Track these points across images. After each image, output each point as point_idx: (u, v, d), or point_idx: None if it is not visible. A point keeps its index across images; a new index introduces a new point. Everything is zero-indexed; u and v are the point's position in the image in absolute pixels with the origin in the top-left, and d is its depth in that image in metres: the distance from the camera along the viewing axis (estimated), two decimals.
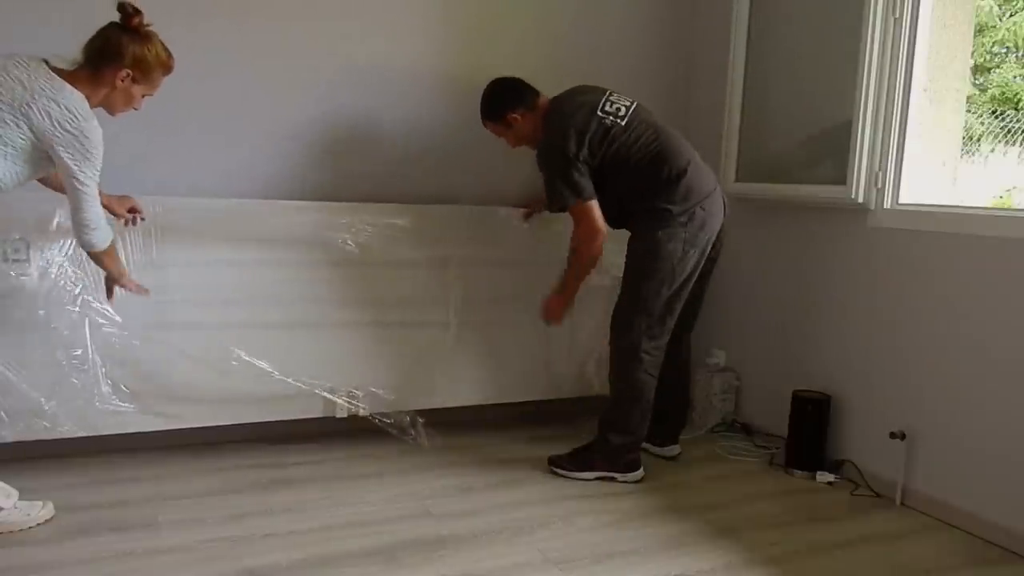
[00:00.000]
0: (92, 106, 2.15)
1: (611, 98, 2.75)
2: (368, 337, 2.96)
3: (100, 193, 2.37)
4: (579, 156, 2.66)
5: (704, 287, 2.89)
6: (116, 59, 2.15)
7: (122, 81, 2.17)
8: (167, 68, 2.25)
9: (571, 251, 2.80)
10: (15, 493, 2.28)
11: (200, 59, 2.83)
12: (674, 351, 2.88)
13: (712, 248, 2.77)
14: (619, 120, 2.70)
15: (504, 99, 2.81)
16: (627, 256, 2.78)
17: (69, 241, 2.52)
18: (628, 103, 2.76)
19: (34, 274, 2.49)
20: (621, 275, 2.80)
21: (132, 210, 2.57)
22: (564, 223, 3.14)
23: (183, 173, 2.86)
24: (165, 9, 2.72)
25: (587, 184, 2.68)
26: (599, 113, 2.70)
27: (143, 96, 2.26)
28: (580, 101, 2.74)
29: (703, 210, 2.68)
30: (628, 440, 2.80)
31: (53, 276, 2.52)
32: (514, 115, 2.80)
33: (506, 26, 3.22)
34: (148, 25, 2.19)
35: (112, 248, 2.29)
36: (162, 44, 2.22)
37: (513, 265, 3.15)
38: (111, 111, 2.26)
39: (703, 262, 2.75)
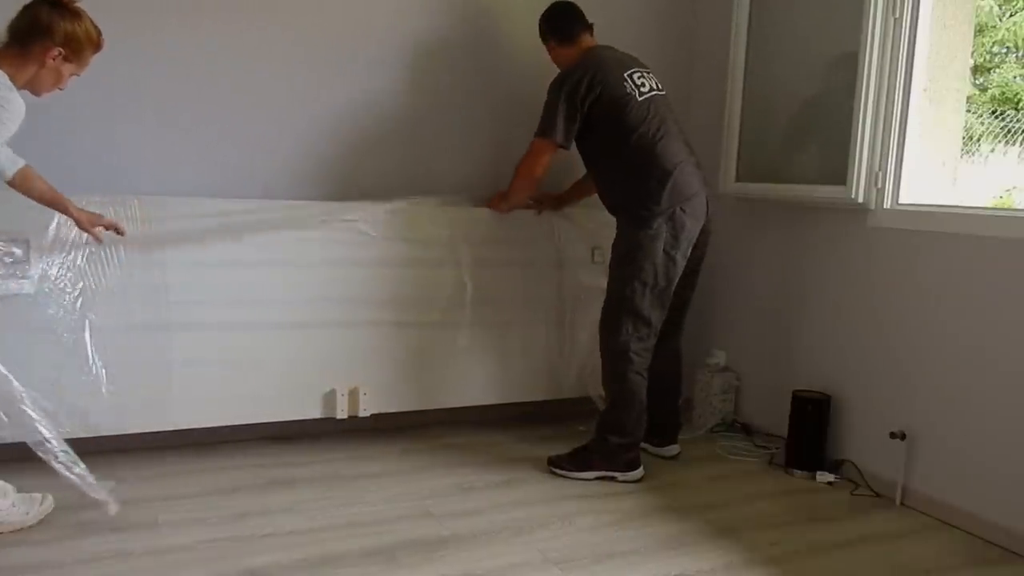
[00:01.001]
0: (19, 86, 2.09)
1: (645, 74, 2.82)
2: (369, 338, 2.95)
3: (71, 205, 2.29)
4: (583, 103, 2.71)
5: (688, 294, 2.92)
6: (46, 36, 2.09)
7: (52, 59, 2.12)
8: (97, 46, 2.20)
9: (515, 171, 2.91)
10: (11, 489, 2.27)
11: (200, 56, 2.84)
12: (660, 356, 2.89)
13: (693, 252, 2.79)
14: (637, 94, 2.74)
15: (547, 23, 2.94)
16: (611, 259, 2.82)
17: (70, 242, 2.52)
18: (656, 86, 2.81)
19: (34, 275, 2.49)
20: None
21: (108, 227, 2.43)
22: (577, 220, 3.15)
23: (184, 172, 2.86)
24: (163, 6, 2.74)
25: (564, 130, 2.74)
26: (625, 76, 2.75)
27: (71, 75, 2.20)
28: (618, 58, 2.83)
29: (683, 212, 2.71)
30: (626, 440, 2.80)
31: (53, 277, 2.51)
32: (548, 44, 2.92)
33: (506, 24, 3.23)
34: (77, 1, 2.14)
35: (25, 178, 2.17)
36: (91, 21, 2.16)
37: (518, 266, 3.14)
38: (37, 91, 2.18)
39: (685, 264, 2.77)
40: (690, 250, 2.77)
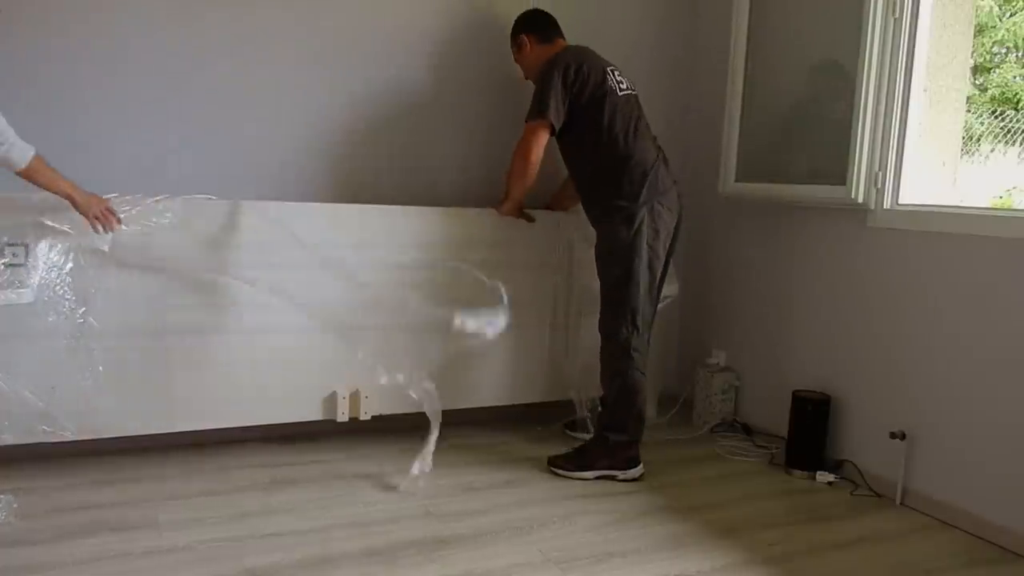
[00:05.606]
0: None
1: (620, 73, 2.88)
2: (371, 341, 2.94)
3: (73, 187, 2.32)
4: (572, 87, 2.75)
5: (659, 283, 2.93)
6: None
7: None
8: None
9: (512, 157, 2.89)
10: None
11: (203, 56, 2.83)
12: None
13: (669, 244, 2.83)
14: (618, 89, 2.81)
15: (525, 21, 2.99)
16: (598, 260, 2.84)
17: (69, 246, 2.51)
18: (630, 86, 2.88)
19: (33, 278, 2.48)
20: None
21: (105, 219, 2.43)
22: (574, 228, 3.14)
23: (188, 173, 2.85)
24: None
25: (556, 111, 2.75)
26: (608, 70, 2.82)
27: None
28: (596, 55, 2.88)
29: (660, 205, 2.76)
30: (625, 438, 2.81)
31: (53, 280, 2.51)
32: (524, 37, 2.95)
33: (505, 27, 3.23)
34: None
35: (36, 167, 2.23)
36: None
37: (521, 268, 3.13)
38: None
39: (663, 256, 2.83)
40: (668, 243, 2.82)
